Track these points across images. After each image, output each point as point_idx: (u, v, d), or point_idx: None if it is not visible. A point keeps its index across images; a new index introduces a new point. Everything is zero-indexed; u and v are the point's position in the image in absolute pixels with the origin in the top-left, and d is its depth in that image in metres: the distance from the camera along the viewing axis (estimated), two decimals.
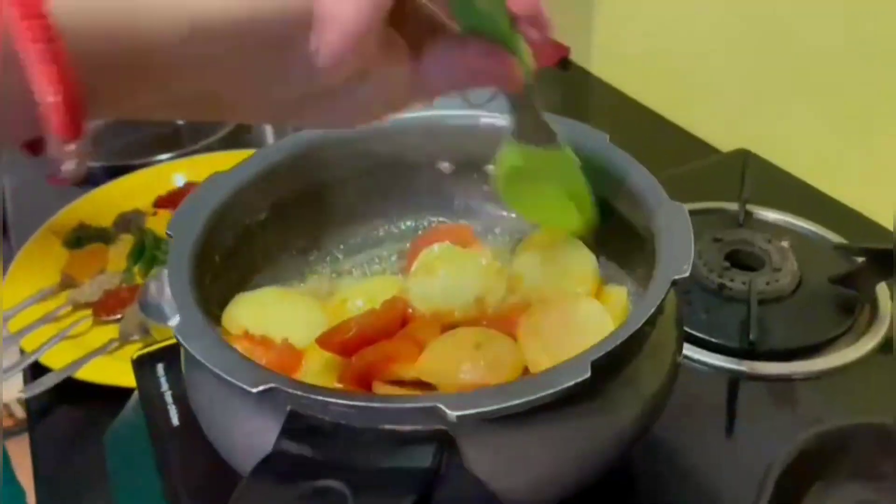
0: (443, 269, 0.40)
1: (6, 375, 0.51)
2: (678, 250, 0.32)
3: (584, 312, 0.36)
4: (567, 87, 0.89)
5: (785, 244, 0.52)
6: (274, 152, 0.42)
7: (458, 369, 0.33)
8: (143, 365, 0.46)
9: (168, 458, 0.40)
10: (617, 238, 0.41)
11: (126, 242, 0.67)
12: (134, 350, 0.57)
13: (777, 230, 0.55)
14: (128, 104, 0.22)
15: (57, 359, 0.52)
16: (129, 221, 0.69)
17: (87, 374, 0.52)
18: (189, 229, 0.36)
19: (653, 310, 0.30)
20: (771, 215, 0.57)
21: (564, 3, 0.92)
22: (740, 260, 0.52)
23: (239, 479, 0.29)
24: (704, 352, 0.47)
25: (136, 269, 0.64)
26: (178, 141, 0.80)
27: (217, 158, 0.74)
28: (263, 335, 0.36)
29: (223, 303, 0.39)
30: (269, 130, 0.88)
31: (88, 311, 0.59)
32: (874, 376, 0.47)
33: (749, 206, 0.57)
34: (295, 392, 0.28)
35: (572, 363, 0.28)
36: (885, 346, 0.48)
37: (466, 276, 0.40)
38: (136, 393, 0.48)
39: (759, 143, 0.67)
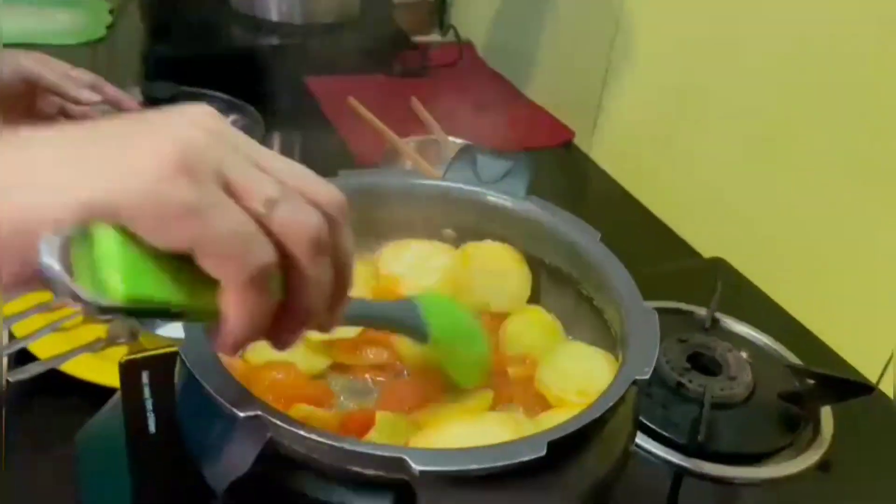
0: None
1: (18, 376, 0.52)
2: (644, 353, 0.36)
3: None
4: (567, 168, 0.94)
5: (744, 355, 0.56)
6: None
7: None
8: (128, 369, 0.48)
9: (141, 464, 0.42)
10: (591, 331, 0.45)
11: None
12: (119, 352, 0.59)
13: (738, 340, 0.59)
14: None
15: (45, 348, 0.54)
16: None
17: (71, 368, 0.53)
18: None
19: (612, 403, 0.33)
20: (735, 325, 0.61)
21: (574, 90, 0.98)
22: (701, 363, 0.55)
23: (206, 493, 0.31)
24: (655, 443, 0.50)
25: None
26: None
27: None
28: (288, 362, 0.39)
29: None
30: None
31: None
32: (810, 492, 0.50)
33: (717, 314, 0.61)
34: (275, 422, 0.30)
35: (531, 439, 0.31)
36: (822, 466, 0.51)
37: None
38: (115, 395, 0.50)
39: (734, 253, 0.72)
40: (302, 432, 0.30)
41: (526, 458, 0.30)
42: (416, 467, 0.29)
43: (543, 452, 0.30)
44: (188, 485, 0.35)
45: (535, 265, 0.48)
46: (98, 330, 0.59)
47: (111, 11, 1.18)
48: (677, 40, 0.80)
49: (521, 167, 0.50)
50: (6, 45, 1.03)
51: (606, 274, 0.43)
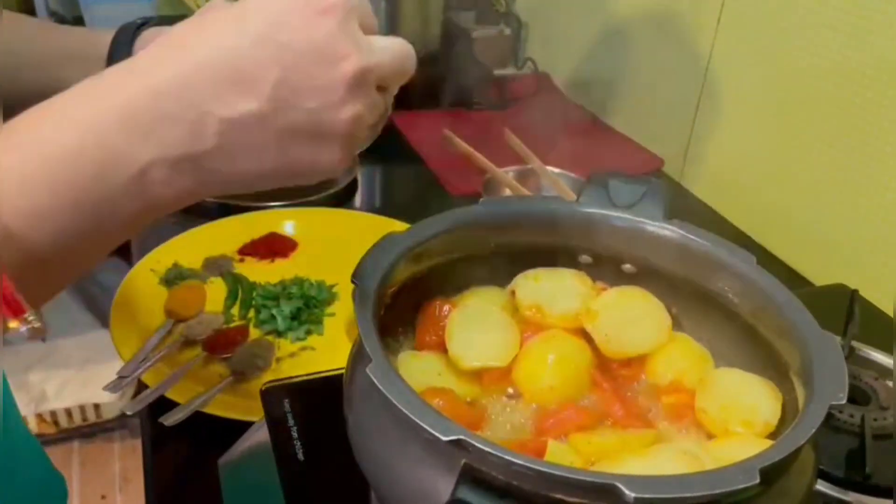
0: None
1: (136, 407, 0.54)
2: (833, 378, 0.35)
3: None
4: None
5: (890, 384, 0.54)
6: (439, 222, 0.45)
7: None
8: (270, 396, 0.48)
9: (295, 492, 0.42)
10: (743, 354, 0.43)
11: (216, 285, 0.71)
12: (249, 385, 0.60)
13: (879, 368, 0.57)
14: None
15: (181, 393, 0.56)
16: (219, 266, 0.73)
17: (209, 407, 0.55)
18: (370, 279, 0.39)
19: (815, 428, 0.32)
20: (874, 354, 0.59)
21: (663, 119, 0.98)
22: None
23: None
24: None
25: (233, 311, 0.68)
26: (292, 191, 0.85)
27: (299, 214, 0.81)
28: (447, 388, 0.39)
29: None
30: (358, 194, 0.93)
31: (197, 349, 0.62)
32: None
33: (853, 342, 0.58)
34: (481, 447, 0.30)
35: (740, 467, 0.30)
36: None
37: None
38: (255, 424, 0.50)
39: (854, 280, 0.69)
40: (509, 458, 0.29)
41: (738, 487, 0.29)
42: (631, 494, 0.28)
43: (757, 480, 0.29)
44: None
45: (682, 289, 0.47)
46: (218, 368, 0.61)
47: None
48: (773, 65, 0.79)
49: (655, 191, 0.49)
50: None
51: (769, 296, 0.41)
